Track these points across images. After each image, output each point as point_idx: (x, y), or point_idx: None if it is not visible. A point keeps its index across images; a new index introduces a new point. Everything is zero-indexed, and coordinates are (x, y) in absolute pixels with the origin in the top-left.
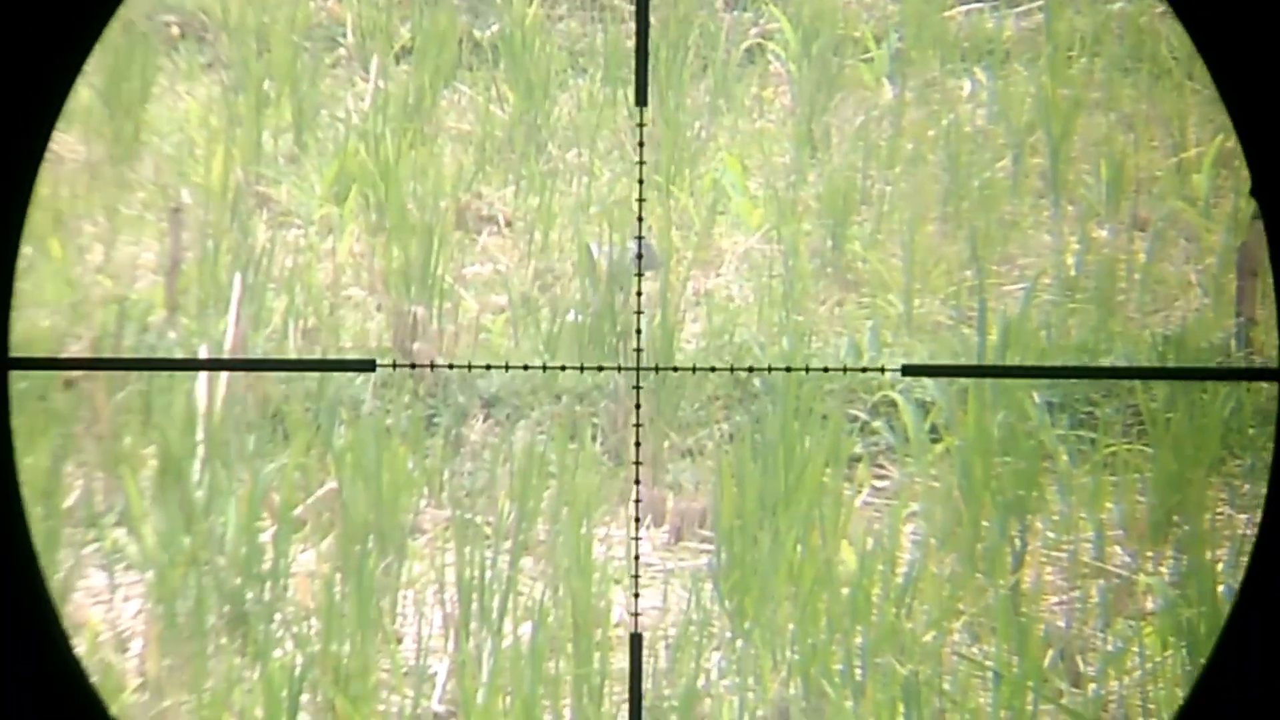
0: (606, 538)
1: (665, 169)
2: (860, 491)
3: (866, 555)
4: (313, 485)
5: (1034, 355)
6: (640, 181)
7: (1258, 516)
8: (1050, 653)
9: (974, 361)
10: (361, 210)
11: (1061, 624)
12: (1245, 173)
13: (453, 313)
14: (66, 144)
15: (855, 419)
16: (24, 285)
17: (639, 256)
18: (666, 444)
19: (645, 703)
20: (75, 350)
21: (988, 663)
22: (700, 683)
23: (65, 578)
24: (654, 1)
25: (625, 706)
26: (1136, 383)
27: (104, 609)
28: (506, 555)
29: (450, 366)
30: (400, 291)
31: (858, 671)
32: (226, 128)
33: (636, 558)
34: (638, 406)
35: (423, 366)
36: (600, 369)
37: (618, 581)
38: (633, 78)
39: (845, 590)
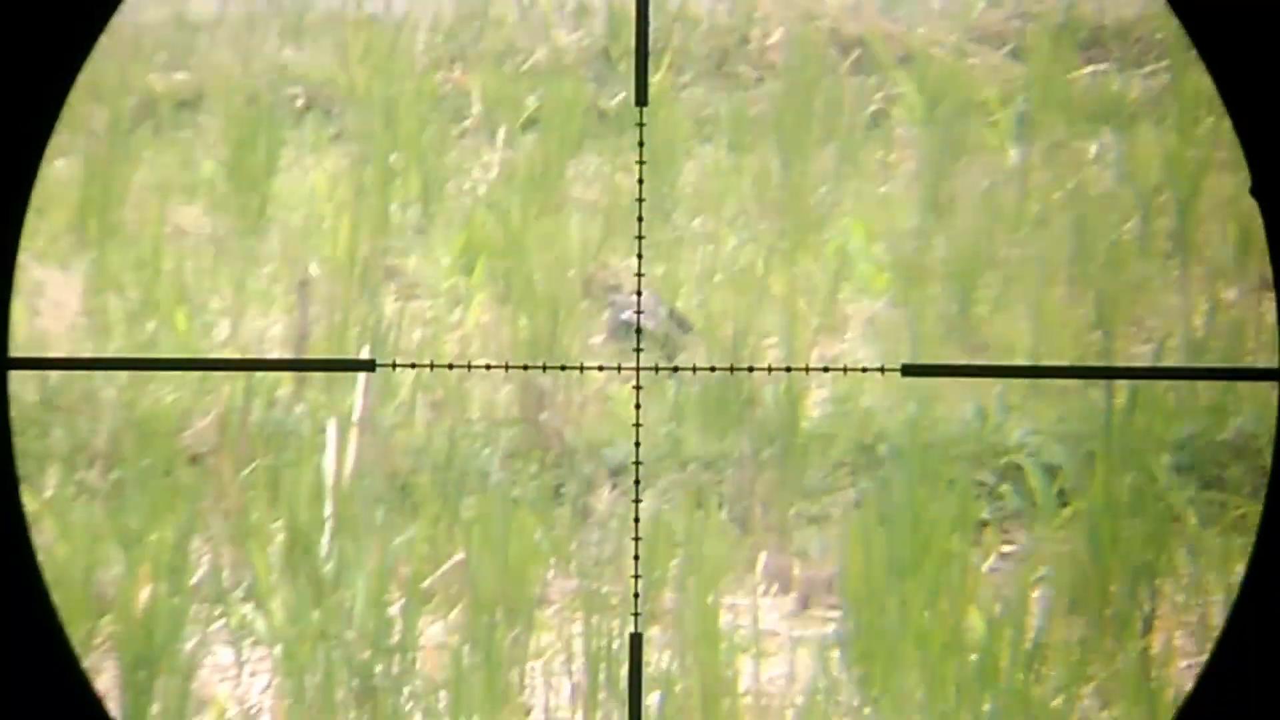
0: (733, 606)
1: (790, 235)
2: (988, 557)
3: (994, 621)
4: (441, 557)
5: (1161, 417)
6: (640, 181)
7: None
8: None
9: (1100, 425)
10: (489, 281)
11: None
12: None
13: (579, 382)
14: (191, 217)
15: (982, 484)
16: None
17: (639, 256)
18: (793, 511)
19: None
20: (201, 426)
21: None
22: None
23: (192, 654)
24: (780, 67)
25: None
26: (1265, 443)
27: (231, 685)
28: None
29: (450, 367)
30: (528, 362)
31: None
32: (354, 200)
33: (636, 557)
34: (638, 407)
35: (422, 366)
36: (600, 369)
37: (745, 650)
38: (759, 144)
39: (973, 656)
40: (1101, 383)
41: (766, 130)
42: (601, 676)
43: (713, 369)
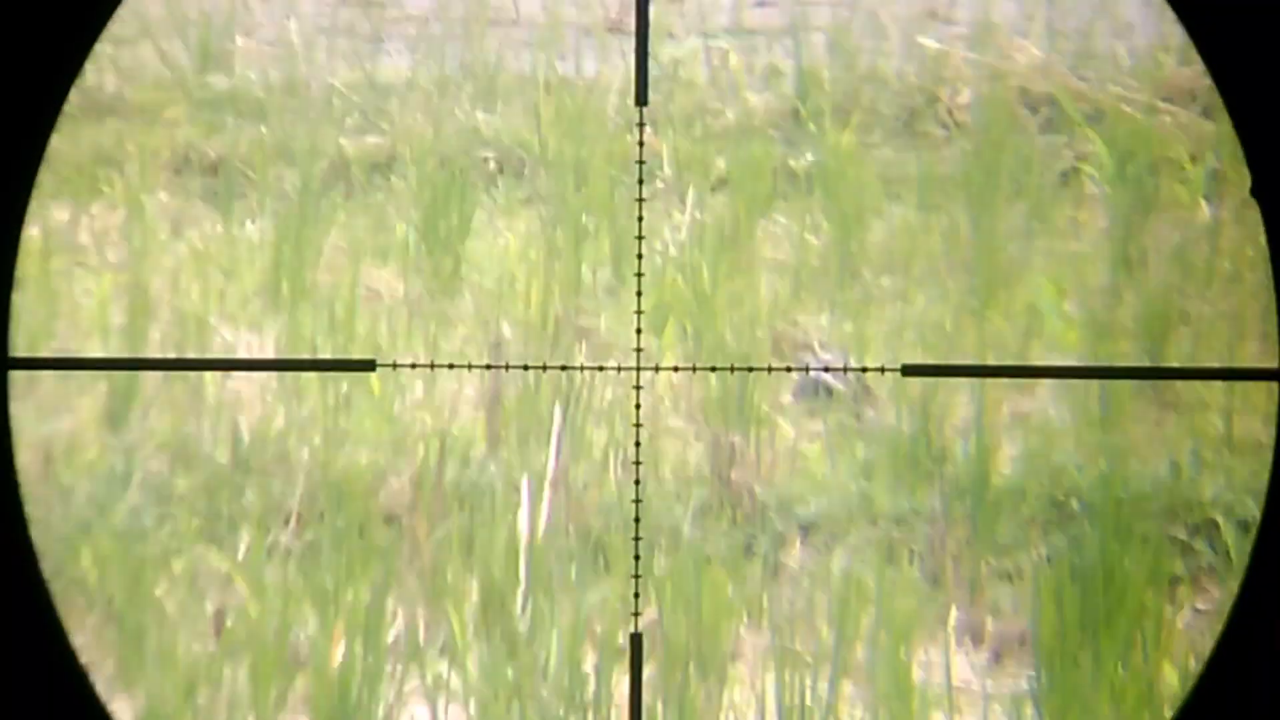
0: (925, 662)
1: (980, 292)
2: (1182, 612)
3: (1189, 677)
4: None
5: None
6: (640, 182)
7: None
8: None
9: None
10: (679, 340)
11: None
12: None
13: (770, 440)
14: (384, 279)
15: (1175, 539)
16: (344, 423)
17: (639, 256)
18: (984, 567)
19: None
20: (395, 487)
21: None
22: None
23: (388, 713)
24: (969, 126)
25: None
26: None
27: None
28: (827, 680)
29: (463, 367)
30: (718, 420)
31: None
32: (545, 261)
33: (637, 557)
34: (638, 407)
35: (422, 366)
36: (600, 369)
37: (938, 705)
38: (948, 204)
39: (1168, 713)
40: None
41: (956, 189)
42: None
43: (712, 368)
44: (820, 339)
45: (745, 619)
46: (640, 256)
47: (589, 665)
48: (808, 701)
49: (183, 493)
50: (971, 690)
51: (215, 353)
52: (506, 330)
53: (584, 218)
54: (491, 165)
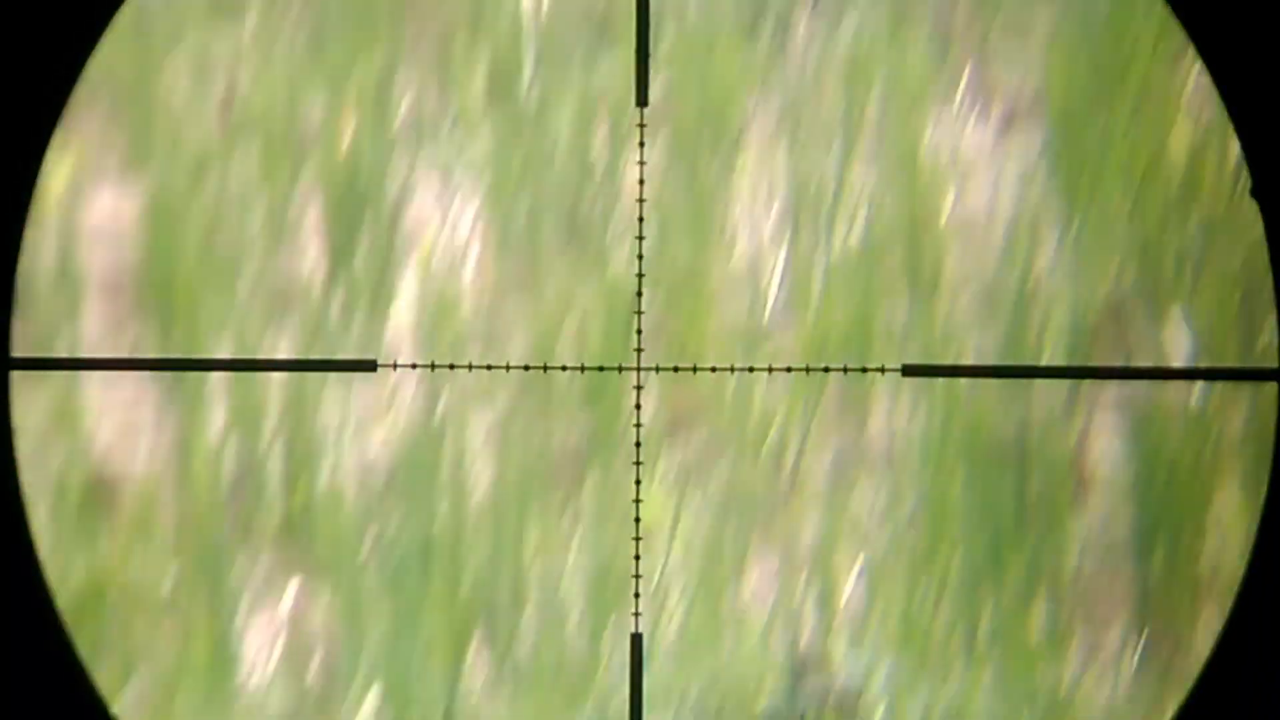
0: (936, 122)
1: None
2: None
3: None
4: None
5: None
6: (641, 181)
7: None
8: None
9: None
10: None
11: None
12: None
13: None
14: None
15: None
16: None
17: (639, 257)
18: (996, 25)
19: None
20: None
21: None
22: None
23: (398, 192)
24: None
25: None
26: None
27: (438, 226)
28: (838, 155)
29: (451, 367)
30: None
31: None
32: None
33: (637, 557)
34: (638, 407)
35: (423, 367)
36: (601, 369)
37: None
38: None
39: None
40: None
41: None
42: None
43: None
44: None
45: (755, 91)
46: (641, 257)
47: (600, 138)
48: (821, 173)
49: None
50: (983, 155)
51: None
52: None
53: None
54: None
